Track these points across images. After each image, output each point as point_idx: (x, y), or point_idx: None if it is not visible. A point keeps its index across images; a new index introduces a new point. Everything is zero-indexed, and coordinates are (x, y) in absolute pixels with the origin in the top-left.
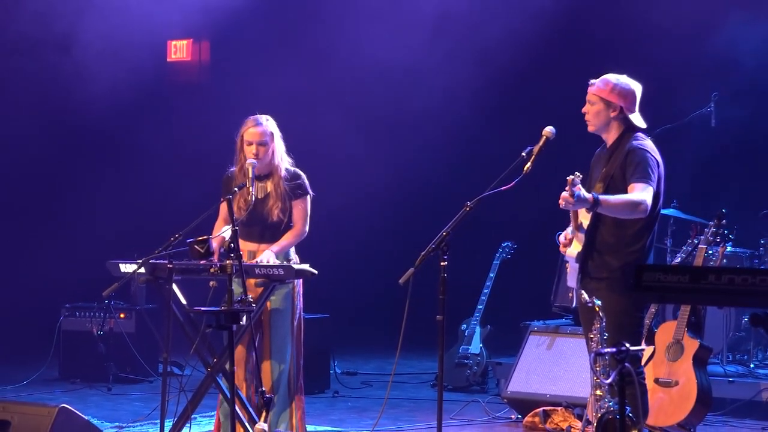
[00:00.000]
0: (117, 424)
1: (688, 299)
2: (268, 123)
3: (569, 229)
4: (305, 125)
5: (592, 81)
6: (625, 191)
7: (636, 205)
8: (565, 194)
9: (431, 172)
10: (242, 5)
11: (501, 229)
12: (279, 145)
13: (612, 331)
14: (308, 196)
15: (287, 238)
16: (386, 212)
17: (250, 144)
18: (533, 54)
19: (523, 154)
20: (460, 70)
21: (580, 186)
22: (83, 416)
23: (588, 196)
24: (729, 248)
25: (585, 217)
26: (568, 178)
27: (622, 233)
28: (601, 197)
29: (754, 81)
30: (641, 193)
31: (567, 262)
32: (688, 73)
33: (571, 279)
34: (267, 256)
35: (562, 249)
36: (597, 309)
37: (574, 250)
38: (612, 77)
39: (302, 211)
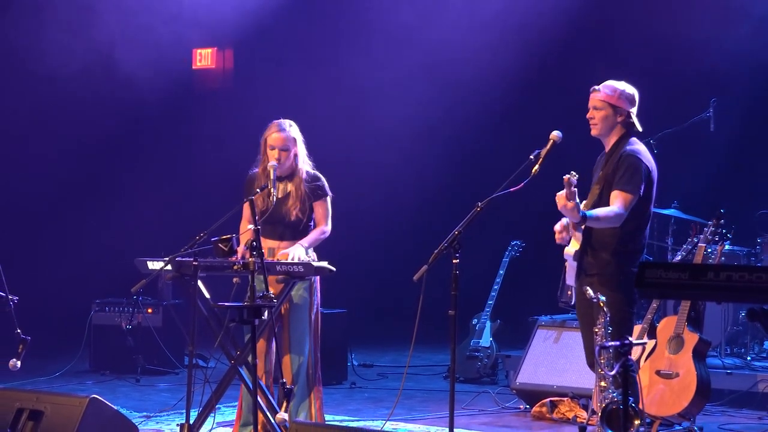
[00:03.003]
0: (145, 413)
1: (688, 295)
2: (291, 129)
3: (565, 219)
4: (323, 129)
5: (596, 87)
6: None
7: (614, 218)
8: (562, 193)
9: (444, 174)
10: (264, 14)
11: (510, 229)
12: (301, 149)
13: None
14: (328, 197)
15: (314, 235)
16: (401, 213)
17: (273, 148)
18: (540, 64)
19: (531, 156)
20: (470, 79)
21: (576, 199)
22: (113, 406)
23: (578, 215)
24: (727, 246)
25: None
26: (564, 177)
27: (617, 232)
28: (588, 215)
29: (752, 86)
30: (620, 206)
31: (566, 260)
32: (688, 79)
33: (570, 277)
34: (298, 251)
35: (557, 237)
36: (601, 304)
37: (572, 248)
38: (618, 84)
39: (324, 211)
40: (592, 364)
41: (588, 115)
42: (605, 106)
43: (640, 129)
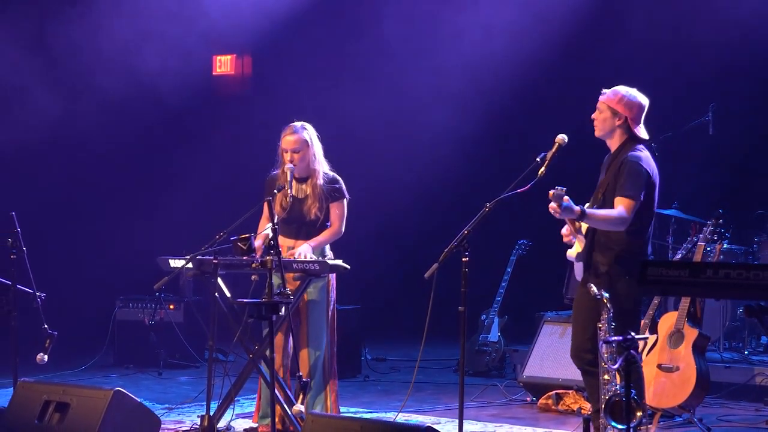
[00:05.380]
0: (167, 405)
1: (689, 292)
2: (304, 131)
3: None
4: (340, 132)
5: (605, 90)
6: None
7: (616, 221)
8: (552, 205)
9: (454, 176)
10: (281, 22)
11: (517, 228)
12: (317, 151)
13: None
14: (345, 200)
15: (324, 236)
16: (412, 213)
17: (286, 151)
18: (547, 70)
19: (538, 159)
20: (479, 87)
21: (567, 198)
22: (136, 398)
23: (576, 208)
24: (725, 245)
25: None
26: (549, 192)
27: (619, 235)
28: (588, 210)
29: (750, 90)
30: (623, 210)
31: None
32: (688, 83)
33: (579, 273)
34: (305, 249)
35: (565, 239)
36: (605, 301)
37: (574, 251)
38: (622, 89)
39: (339, 212)
40: (575, 356)
41: (592, 116)
42: (605, 108)
43: (643, 137)
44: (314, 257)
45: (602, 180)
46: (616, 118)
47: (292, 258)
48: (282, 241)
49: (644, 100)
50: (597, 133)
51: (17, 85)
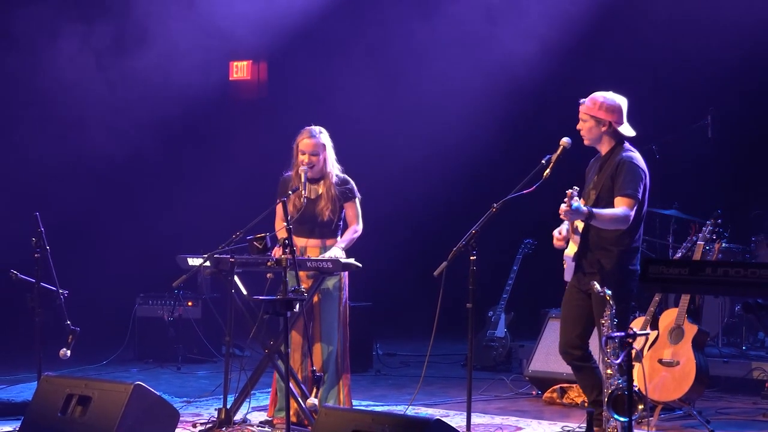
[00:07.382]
0: (185, 399)
1: (688, 289)
2: (321, 135)
3: (563, 226)
4: (354, 135)
5: (582, 100)
6: (613, 198)
7: (622, 219)
8: (563, 207)
9: (463, 177)
10: (295, 29)
11: (523, 228)
12: (330, 154)
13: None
14: (357, 198)
15: (348, 235)
16: (422, 214)
17: (304, 153)
18: (551, 72)
19: (543, 161)
20: (487, 89)
21: (577, 198)
22: (155, 392)
23: (584, 209)
24: (724, 244)
25: (580, 221)
26: (567, 191)
27: (612, 234)
28: (595, 211)
29: (748, 94)
30: (626, 209)
31: (565, 260)
32: (688, 88)
33: (567, 274)
34: (336, 252)
35: (555, 243)
36: (608, 298)
37: (570, 251)
38: (599, 95)
39: (355, 211)
40: (564, 352)
41: (577, 127)
42: (589, 118)
43: (630, 134)
44: (343, 255)
45: (595, 181)
46: (600, 125)
47: (308, 257)
48: (295, 240)
49: (622, 101)
50: (586, 143)
51: (62, 99)
